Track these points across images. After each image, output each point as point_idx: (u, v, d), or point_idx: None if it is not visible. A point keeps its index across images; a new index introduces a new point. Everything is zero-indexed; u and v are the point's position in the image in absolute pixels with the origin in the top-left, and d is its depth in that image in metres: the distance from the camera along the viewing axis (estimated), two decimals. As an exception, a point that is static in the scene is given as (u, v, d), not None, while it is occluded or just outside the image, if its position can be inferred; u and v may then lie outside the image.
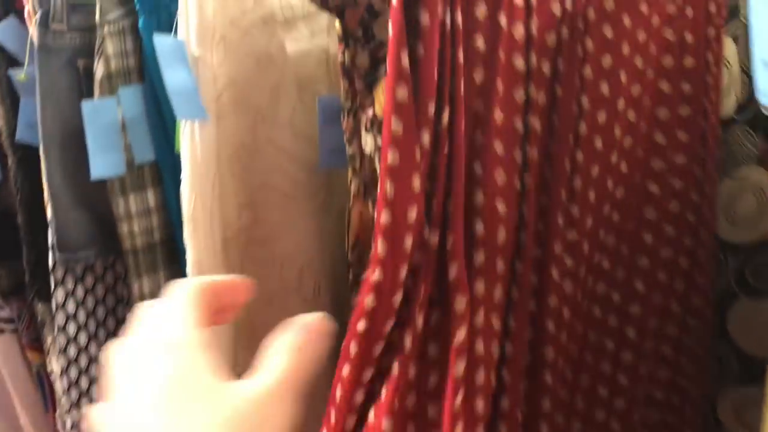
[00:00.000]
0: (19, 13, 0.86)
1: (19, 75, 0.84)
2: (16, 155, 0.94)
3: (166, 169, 0.86)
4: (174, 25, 0.73)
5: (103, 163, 0.80)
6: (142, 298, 0.85)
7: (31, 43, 0.82)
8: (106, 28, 0.80)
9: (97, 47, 0.80)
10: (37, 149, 0.86)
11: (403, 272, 0.47)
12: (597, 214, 0.59)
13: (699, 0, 0.61)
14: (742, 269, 0.75)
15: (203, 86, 0.72)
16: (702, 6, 0.61)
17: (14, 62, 0.91)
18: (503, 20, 0.49)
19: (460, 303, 0.49)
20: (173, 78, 0.70)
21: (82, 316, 0.92)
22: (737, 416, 0.77)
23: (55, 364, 0.96)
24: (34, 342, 1.06)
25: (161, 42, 0.73)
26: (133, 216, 0.85)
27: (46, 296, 0.94)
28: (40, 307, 0.99)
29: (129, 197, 0.84)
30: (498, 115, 0.50)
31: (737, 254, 0.75)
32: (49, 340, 0.99)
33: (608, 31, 0.56)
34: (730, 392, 0.77)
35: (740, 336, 0.76)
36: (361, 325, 0.48)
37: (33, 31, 0.79)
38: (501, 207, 0.51)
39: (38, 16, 0.77)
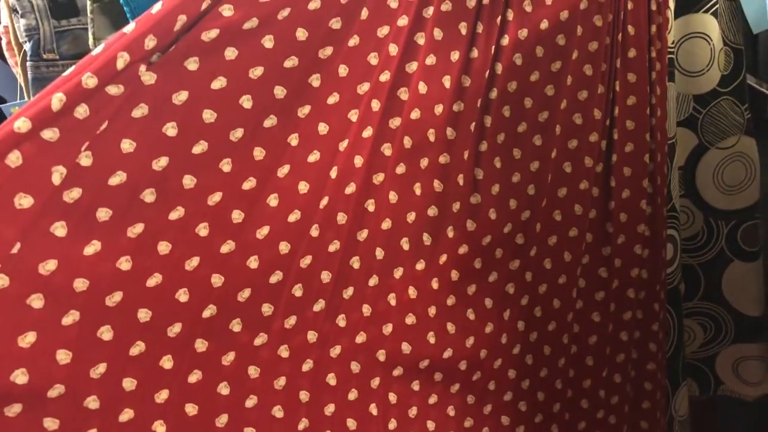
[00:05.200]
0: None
1: (12, 108, 0.83)
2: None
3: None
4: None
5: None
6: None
7: (14, 75, 0.80)
8: (100, 54, 0.79)
9: (92, 73, 0.79)
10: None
11: None
12: (505, 181, 0.61)
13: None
14: (734, 234, 0.77)
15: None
16: (644, 4, 0.64)
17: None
18: None
19: None
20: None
21: None
22: (734, 372, 0.81)
23: None
24: None
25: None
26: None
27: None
28: None
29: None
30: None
31: (728, 220, 0.77)
32: None
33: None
34: (728, 351, 0.81)
35: (735, 297, 0.79)
36: None
37: (16, 62, 0.78)
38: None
39: (28, 47, 0.76)
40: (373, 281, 0.56)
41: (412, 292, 0.58)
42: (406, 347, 0.58)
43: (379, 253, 0.56)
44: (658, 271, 0.69)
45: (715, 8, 0.71)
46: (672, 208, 0.71)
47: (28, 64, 0.76)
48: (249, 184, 0.50)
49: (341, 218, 0.54)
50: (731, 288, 0.79)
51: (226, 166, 0.49)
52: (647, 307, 0.70)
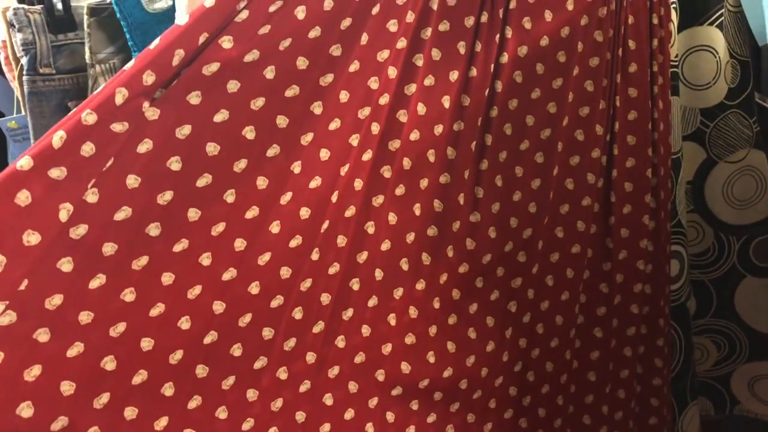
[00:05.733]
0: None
1: (9, 122, 0.84)
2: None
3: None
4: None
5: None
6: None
7: (12, 89, 0.80)
8: (98, 68, 0.80)
9: (90, 87, 0.79)
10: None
11: None
12: (505, 199, 0.61)
13: (643, 13, 0.63)
14: (746, 249, 0.76)
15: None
16: (645, 18, 0.63)
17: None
18: None
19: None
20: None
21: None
22: (751, 391, 0.80)
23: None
24: None
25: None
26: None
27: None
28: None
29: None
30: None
31: (740, 235, 0.76)
32: None
33: None
34: (743, 369, 0.80)
35: (748, 314, 0.78)
36: None
37: (14, 76, 0.78)
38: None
39: (25, 61, 0.76)
40: (372, 302, 0.57)
41: (412, 311, 0.59)
42: (405, 367, 0.59)
43: (379, 274, 0.57)
44: (662, 286, 0.69)
45: (720, 21, 0.70)
46: (678, 224, 0.70)
47: (25, 78, 0.76)
48: (252, 213, 0.51)
49: (341, 241, 0.55)
50: (744, 304, 0.77)
51: (229, 197, 0.50)
52: (651, 322, 0.70)
